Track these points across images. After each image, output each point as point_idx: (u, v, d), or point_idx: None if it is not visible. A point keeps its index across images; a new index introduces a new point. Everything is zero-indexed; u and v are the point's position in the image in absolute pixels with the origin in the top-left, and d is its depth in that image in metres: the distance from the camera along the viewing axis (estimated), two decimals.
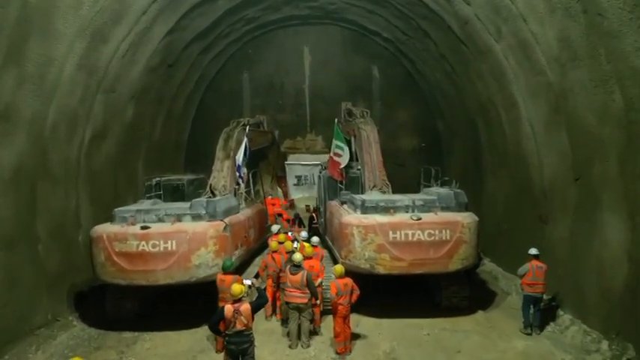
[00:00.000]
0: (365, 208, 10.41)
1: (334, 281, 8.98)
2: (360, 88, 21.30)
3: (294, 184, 13.89)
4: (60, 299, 11.40)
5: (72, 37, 10.88)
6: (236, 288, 7.69)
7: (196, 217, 10.31)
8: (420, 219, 9.99)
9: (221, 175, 13.45)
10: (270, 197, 18.10)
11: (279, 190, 20.79)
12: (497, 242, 14.78)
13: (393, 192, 12.71)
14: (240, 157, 12.06)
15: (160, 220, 10.37)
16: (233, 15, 17.53)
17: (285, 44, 21.23)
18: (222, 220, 10.33)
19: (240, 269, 11.40)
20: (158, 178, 13.43)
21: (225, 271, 9.09)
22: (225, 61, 20.74)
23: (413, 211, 10.51)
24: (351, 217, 10.35)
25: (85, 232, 12.17)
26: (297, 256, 9.27)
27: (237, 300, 7.62)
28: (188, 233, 9.80)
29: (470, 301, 11.28)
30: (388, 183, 13.32)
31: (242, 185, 12.51)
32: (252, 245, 12.51)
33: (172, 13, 14.26)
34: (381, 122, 18.72)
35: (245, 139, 12.45)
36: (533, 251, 10.59)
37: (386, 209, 10.42)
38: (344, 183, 12.92)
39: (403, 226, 9.92)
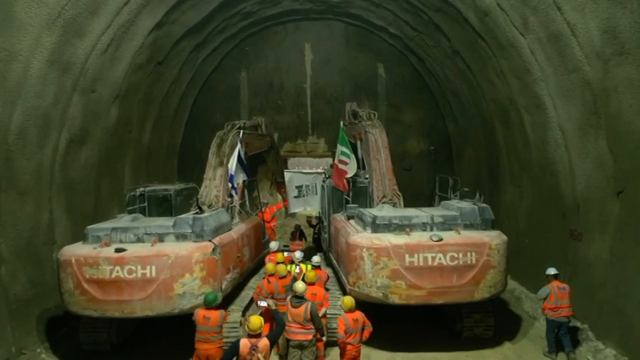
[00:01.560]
0: (376, 226, 8.87)
1: (342, 316, 7.44)
2: (364, 87, 19.86)
3: (295, 196, 12.32)
4: (27, 329, 9.85)
5: (38, 28, 9.39)
6: (255, 321, 6.58)
7: (181, 237, 8.79)
8: (441, 240, 8.44)
9: (213, 184, 11.93)
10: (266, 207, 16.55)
11: (279, 196, 19.28)
12: (518, 258, 13.20)
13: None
14: (232, 165, 10.52)
15: (140, 240, 8.84)
16: (228, 8, 16.00)
17: (285, 41, 19.70)
18: (210, 241, 8.79)
19: (232, 295, 9.87)
20: (142, 188, 11.86)
21: (209, 306, 7.55)
22: (220, 59, 19.21)
23: (431, 230, 8.97)
24: (360, 236, 8.80)
25: (60, 249, 10.66)
26: (300, 287, 7.73)
27: (256, 335, 6.38)
28: (170, 257, 8.27)
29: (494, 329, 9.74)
30: (399, 193, 11.82)
31: (235, 197, 10.95)
32: (247, 265, 10.97)
33: (159, 5, 12.73)
34: (387, 124, 17.18)
35: (238, 146, 10.89)
36: (552, 271, 9.35)
37: (401, 227, 8.88)
38: (350, 195, 11.39)
39: (422, 248, 8.38)
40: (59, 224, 11.39)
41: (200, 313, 7.55)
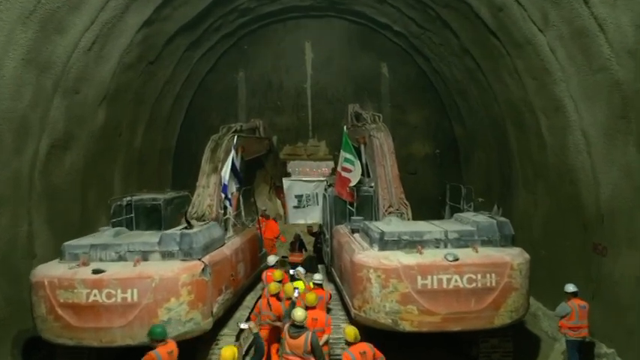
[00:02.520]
0: (384, 243, 7.92)
1: (347, 351, 6.48)
2: (367, 88, 18.91)
3: (294, 206, 11.36)
4: (1, 351, 8.95)
5: (11, 24, 8.43)
6: (227, 353, 6.14)
7: (167, 255, 7.84)
8: (457, 259, 7.49)
9: (206, 192, 10.97)
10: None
11: (278, 201, 18.35)
12: (534, 271, 12.19)
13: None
14: (225, 174, 9.57)
15: (122, 258, 7.90)
16: (224, 5, 15.05)
17: (284, 39, 18.80)
18: (200, 260, 7.84)
19: (226, 317, 8.92)
20: (129, 198, 10.90)
21: (155, 339, 6.41)
22: (217, 59, 18.26)
23: (445, 247, 8.02)
24: (366, 255, 7.83)
25: (40, 263, 9.72)
26: (299, 314, 6.77)
27: None
28: (154, 279, 7.32)
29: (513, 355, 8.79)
30: (407, 203, 10.89)
31: (229, 209, 9.99)
32: (242, 283, 10.01)
33: (148, 1, 11.77)
34: (391, 126, 16.05)
35: (232, 153, 9.93)
36: (571, 288, 8.59)
37: (411, 244, 7.93)
38: (355, 205, 10.44)
39: (436, 269, 7.42)
40: (40, 236, 10.46)
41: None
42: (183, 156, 17.92)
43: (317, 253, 14.72)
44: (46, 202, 10.69)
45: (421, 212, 11.54)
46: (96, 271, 7.39)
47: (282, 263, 12.35)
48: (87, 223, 11.82)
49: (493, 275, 7.49)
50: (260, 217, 15.64)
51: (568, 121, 10.39)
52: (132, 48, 12.41)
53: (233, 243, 9.49)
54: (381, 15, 16.79)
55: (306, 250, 13.19)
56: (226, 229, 9.89)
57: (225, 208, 9.98)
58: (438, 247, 8.02)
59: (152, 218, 10.89)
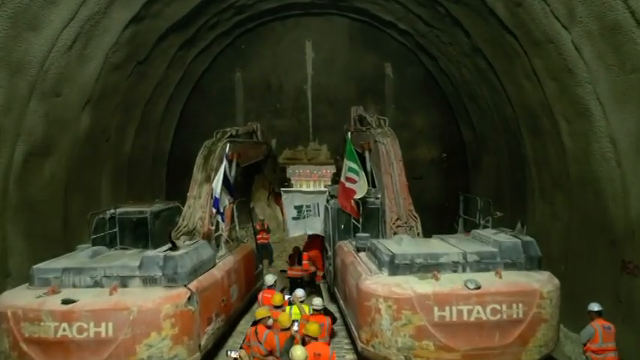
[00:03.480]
0: (395, 267, 6.93)
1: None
2: (370, 89, 17.94)
3: (294, 218, 10.35)
4: None
5: None
6: None
7: (149, 282, 6.85)
8: (479, 287, 6.49)
9: (198, 203, 9.99)
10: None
11: (277, 208, 17.38)
12: None
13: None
14: (217, 186, 8.57)
15: (98, 284, 6.92)
16: (219, 1, 14.05)
17: (283, 38, 17.85)
18: (186, 286, 6.84)
19: (216, 346, 7.92)
20: (113, 210, 9.89)
21: None
22: (213, 58, 17.28)
23: (464, 271, 7.03)
24: (375, 281, 6.83)
25: (16, 282, 8.77)
26: (299, 354, 5.74)
27: None
28: (132, 311, 6.33)
29: None
30: (416, 215, 9.91)
31: (221, 224, 8.98)
32: (236, 307, 8.99)
33: None
34: (395, 129, 15.04)
35: (224, 163, 8.92)
36: (595, 307, 7.62)
37: (426, 268, 6.93)
38: (360, 220, 9.43)
39: (455, 298, 6.43)
40: (15, 253, 9.50)
41: None
42: (177, 162, 16.88)
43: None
44: (22, 215, 9.74)
45: (425, 219, 10.56)
46: (66, 301, 6.40)
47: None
48: (70, 237, 10.84)
49: (520, 305, 6.50)
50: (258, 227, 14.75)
51: (593, 127, 9.42)
52: (119, 47, 11.42)
53: (225, 263, 8.48)
54: (386, 12, 15.79)
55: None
56: (218, 247, 8.87)
57: (217, 223, 8.96)
58: (455, 272, 7.02)
59: (138, 233, 9.87)
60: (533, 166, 12.43)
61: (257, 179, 17.37)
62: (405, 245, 7.54)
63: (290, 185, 20.45)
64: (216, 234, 8.87)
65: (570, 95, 9.77)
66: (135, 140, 14.31)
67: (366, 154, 11.42)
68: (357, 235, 8.40)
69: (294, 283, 12.02)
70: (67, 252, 8.86)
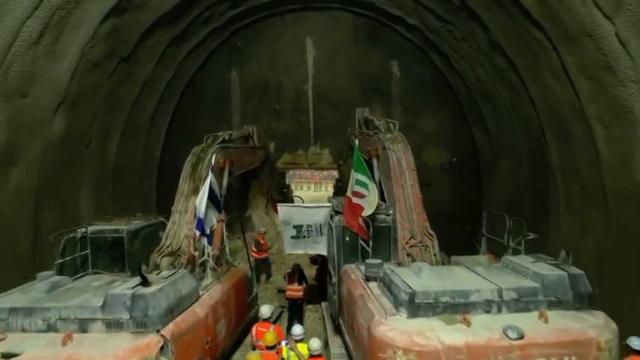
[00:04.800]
0: (415, 308, 5.57)
1: None
2: (376, 89, 16.64)
3: (293, 237, 9.03)
4: None
5: None
6: None
7: (113, 326, 5.50)
8: (522, 337, 5.14)
9: (184, 219, 8.68)
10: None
11: (276, 216, 16.00)
12: None
13: None
14: (201, 204, 7.22)
15: (52, 327, 5.58)
16: None
17: (283, 34, 16.56)
18: (158, 332, 5.49)
19: None
20: (84, 229, 8.53)
21: None
22: (207, 56, 15.96)
23: (499, 311, 5.67)
24: (391, 326, 5.46)
25: None
26: None
27: None
28: None
29: None
30: (432, 233, 8.57)
31: (207, 248, 7.63)
32: (225, 344, 7.61)
33: None
34: (402, 132, 13.91)
35: (210, 176, 7.55)
36: (635, 343, 6.10)
37: (453, 309, 5.58)
38: (370, 242, 8.06)
39: (493, 351, 5.06)
40: None
41: None
42: (169, 168, 15.46)
43: (318, 282, 12.45)
44: None
45: (434, 230, 9.23)
46: (6, 356, 5.05)
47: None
48: (41, 255, 9.48)
49: (573, 359, 5.15)
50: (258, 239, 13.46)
51: (636, 132, 8.12)
52: (97, 42, 10.09)
53: (211, 295, 7.10)
54: (393, 6, 14.45)
55: (306, 282, 10.86)
56: (204, 272, 7.51)
57: (203, 247, 7.59)
58: (489, 312, 5.67)
59: (114, 255, 8.49)
60: (559, 174, 11.09)
61: (254, 185, 16.05)
62: (425, 277, 6.18)
63: (290, 191, 19.14)
64: (202, 259, 7.50)
65: (609, 96, 8.47)
66: (120, 145, 12.96)
67: (374, 161, 10.07)
68: (367, 261, 7.04)
69: (293, 305, 10.68)
70: (39, 271, 7.55)
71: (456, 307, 5.64)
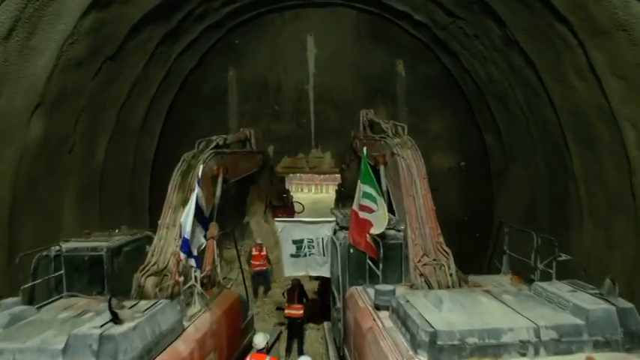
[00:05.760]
0: (438, 351, 4.63)
1: None
2: (380, 89, 15.71)
3: (292, 255, 8.10)
4: None
5: None
6: None
7: None
8: None
9: (171, 234, 7.73)
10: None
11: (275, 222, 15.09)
12: None
13: None
14: (186, 223, 6.29)
15: None
16: None
17: (282, 32, 15.67)
18: None
19: None
20: (58, 247, 7.58)
21: None
22: (202, 55, 15.03)
23: (536, 354, 4.73)
24: None
25: None
26: None
27: None
28: None
29: None
30: (447, 250, 7.63)
31: (195, 271, 6.68)
32: None
33: None
34: (408, 134, 13.07)
35: (197, 189, 6.62)
36: None
37: (482, 351, 4.64)
38: (380, 262, 7.11)
39: None
40: None
41: None
42: (163, 174, 14.47)
43: (319, 297, 11.53)
44: None
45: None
46: None
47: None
48: (17, 275, 8.50)
49: None
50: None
51: None
52: (78, 38, 9.14)
53: (198, 327, 6.13)
54: (400, 1, 13.53)
55: (307, 299, 9.93)
56: (191, 300, 6.57)
57: (190, 271, 6.64)
58: (524, 355, 4.72)
59: (92, 275, 7.51)
60: (581, 181, 10.16)
61: (252, 191, 15.13)
62: (446, 310, 5.23)
63: (290, 197, 18.19)
64: (188, 285, 6.56)
65: None
66: (109, 149, 12.03)
67: (381, 169, 9.14)
68: (377, 287, 6.08)
69: (292, 324, 9.77)
70: (15, 293, 6.64)
71: (486, 350, 4.69)
